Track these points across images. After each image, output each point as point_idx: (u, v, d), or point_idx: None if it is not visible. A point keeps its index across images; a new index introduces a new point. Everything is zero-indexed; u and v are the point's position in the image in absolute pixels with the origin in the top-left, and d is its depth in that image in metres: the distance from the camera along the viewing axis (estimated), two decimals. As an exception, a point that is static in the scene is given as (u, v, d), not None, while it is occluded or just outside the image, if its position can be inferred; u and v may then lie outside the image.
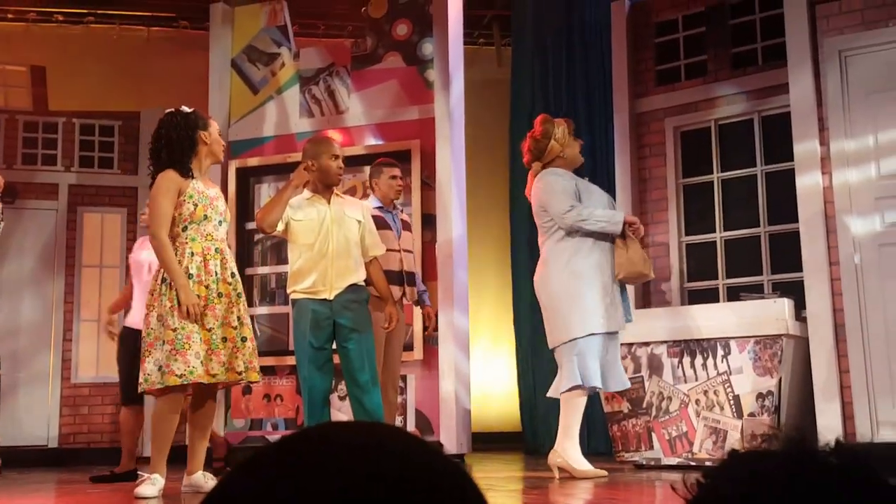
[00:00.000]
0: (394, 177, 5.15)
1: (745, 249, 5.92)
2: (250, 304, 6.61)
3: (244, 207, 6.70)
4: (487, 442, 7.04)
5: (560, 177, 4.55)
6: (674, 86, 6.21)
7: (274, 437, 6.32)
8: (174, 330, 3.86)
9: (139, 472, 4.22)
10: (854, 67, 5.26)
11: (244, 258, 6.60)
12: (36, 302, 7.33)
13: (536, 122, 4.55)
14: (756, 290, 5.60)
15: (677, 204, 6.09)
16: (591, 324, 4.37)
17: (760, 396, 4.76)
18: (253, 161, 6.73)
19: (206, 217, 4.02)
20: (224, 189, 6.70)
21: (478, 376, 6.98)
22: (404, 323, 5.18)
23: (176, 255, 3.97)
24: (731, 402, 4.83)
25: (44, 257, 7.42)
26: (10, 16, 7.67)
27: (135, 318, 5.07)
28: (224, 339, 3.95)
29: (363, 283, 4.48)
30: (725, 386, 4.86)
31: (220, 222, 4.08)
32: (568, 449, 4.38)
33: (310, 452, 0.65)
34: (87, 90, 7.77)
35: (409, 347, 5.76)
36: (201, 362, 3.88)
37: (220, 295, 3.97)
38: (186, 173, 4.03)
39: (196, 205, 4.01)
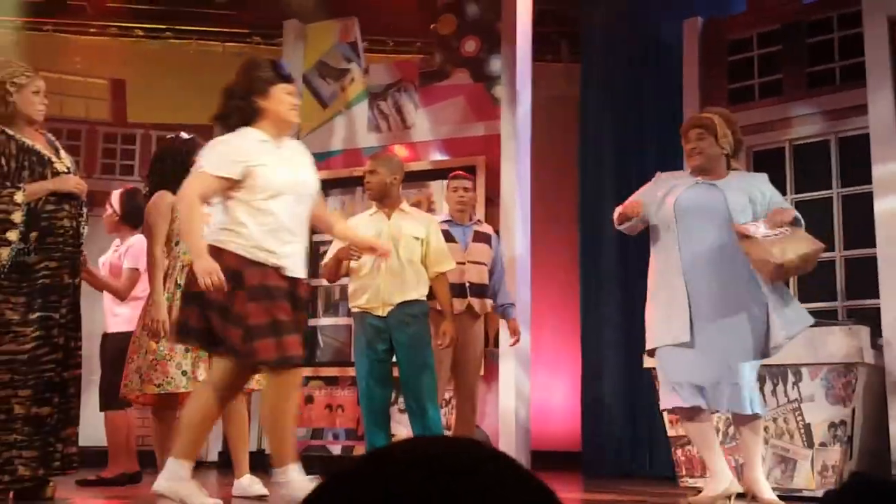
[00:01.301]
0: (455, 189, 5.15)
1: (819, 274, 5.75)
2: (314, 314, 6.69)
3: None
4: (544, 461, 6.95)
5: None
6: (747, 105, 6.10)
7: (334, 446, 6.35)
8: (158, 343, 4.02)
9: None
10: (937, 88, 5.09)
11: (310, 269, 6.65)
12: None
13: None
14: (830, 317, 5.44)
15: (748, 225, 5.96)
16: (650, 338, 4.17)
17: (832, 426, 4.60)
18: (321, 174, 6.77)
19: None
20: (292, 201, 6.79)
21: (537, 394, 6.91)
22: (480, 337, 5.10)
23: (169, 268, 4.17)
24: (802, 430, 4.68)
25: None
26: (92, 31, 7.93)
27: (105, 323, 5.29)
28: None
29: (422, 299, 4.48)
30: (796, 414, 4.72)
31: None
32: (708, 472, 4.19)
33: (384, 466, 0.67)
34: (164, 103, 7.98)
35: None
36: (184, 373, 4.01)
37: None
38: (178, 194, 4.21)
39: None
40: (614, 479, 5.94)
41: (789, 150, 5.97)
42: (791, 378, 4.76)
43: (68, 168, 3.89)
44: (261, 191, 3.25)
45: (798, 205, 5.94)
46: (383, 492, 0.63)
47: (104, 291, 5.27)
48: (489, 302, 5.11)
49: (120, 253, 5.27)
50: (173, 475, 3.29)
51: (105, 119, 8.06)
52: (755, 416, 3.99)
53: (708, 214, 3.97)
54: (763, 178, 4.22)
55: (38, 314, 3.66)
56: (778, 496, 4.11)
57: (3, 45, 7.10)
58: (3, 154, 3.71)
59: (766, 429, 4.75)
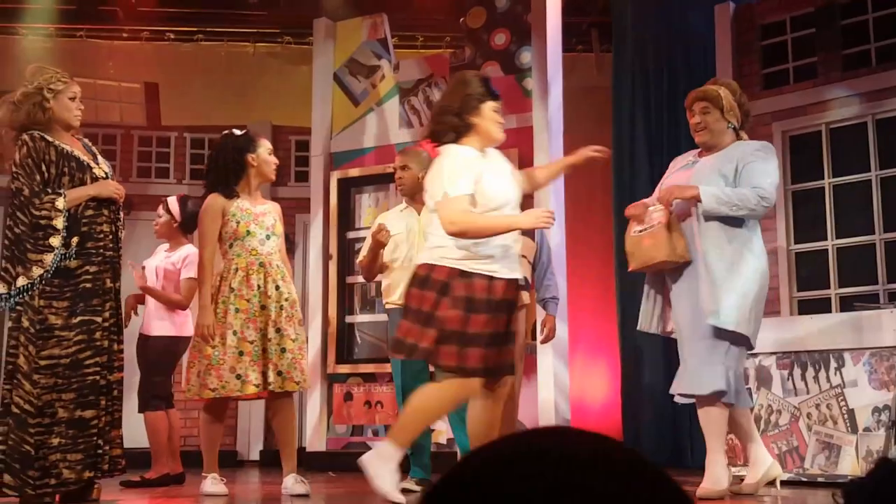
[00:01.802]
0: None
1: (858, 258, 5.68)
2: (351, 311, 6.72)
3: (346, 217, 6.81)
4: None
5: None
6: (781, 89, 6.03)
7: (375, 443, 6.38)
8: (213, 347, 4.05)
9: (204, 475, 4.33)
10: (977, 65, 4.99)
11: (345, 267, 6.70)
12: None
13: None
14: (871, 300, 5.36)
15: (786, 211, 5.90)
16: None
17: (876, 411, 4.54)
18: (354, 172, 6.84)
19: (249, 233, 4.19)
20: (326, 199, 6.83)
21: (576, 385, 6.89)
22: (520, 330, 5.07)
23: (225, 270, 4.18)
24: (845, 416, 4.62)
25: (156, 266, 7.68)
26: (125, 35, 8.02)
27: (147, 326, 5.31)
28: (264, 351, 4.07)
29: None
30: (839, 399, 4.66)
31: (267, 237, 4.24)
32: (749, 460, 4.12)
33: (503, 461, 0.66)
34: (197, 105, 8.05)
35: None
36: (238, 376, 4.03)
37: (262, 308, 4.11)
38: (230, 194, 4.22)
39: (238, 222, 4.19)
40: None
41: (826, 133, 5.89)
42: (833, 363, 4.70)
43: (106, 173, 3.93)
44: (483, 203, 3.36)
45: (836, 189, 5.86)
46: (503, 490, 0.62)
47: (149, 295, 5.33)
48: (527, 295, 5.09)
49: (174, 260, 5.30)
50: (382, 453, 3.33)
51: (139, 123, 8.16)
52: (706, 397, 3.82)
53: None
54: (753, 147, 3.98)
55: (80, 318, 3.71)
56: (823, 483, 4.08)
57: (38, 53, 7.20)
58: (43, 160, 3.76)
59: (808, 415, 4.70)
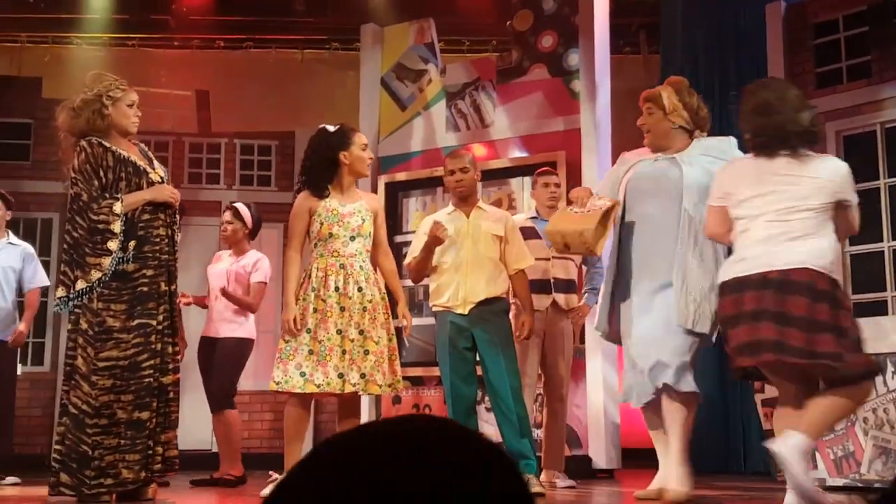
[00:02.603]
0: (546, 185, 5.13)
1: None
2: (398, 315, 6.71)
3: (393, 221, 6.84)
4: (635, 458, 6.87)
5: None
6: (835, 88, 5.93)
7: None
8: (286, 342, 4.04)
9: (270, 473, 4.38)
10: None
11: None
12: (201, 314, 7.69)
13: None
14: (929, 303, 5.25)
15: (840, 212, 5.79)
16: None
17: (936, 416, 4.44)
18: (401, 175, 6.87)
19: (331, 234, 4.14)
20: (374, 203, 6.87)
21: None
22: (568, 333, 5.05)
23: (309, 269, 4.16)
24: (904, 421, 4.53)
25: (207, 271, 7.79)
26: (175, 43, 8.16)
27: (214, 329, 5.41)
28: (343, 352, 4.03)
29: (503, 296, 4.48)
30: (896, 404, 4.57)
31: (351, 238, 4.16)
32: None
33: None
34: (247, 112, 8.16)
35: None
36: (302, 373, 3.99)
37: (342, 309, 4.06)
38: (321, 193, 4.18)
39: (322, 223, 4.14)
40: (708, 475, 5.84)
41: (881, 133, 5.79)
42: (890, 367, 4.61)
43: (162, 178, 4.00)
44: None
45: (892, 189, 5.75)
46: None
47: (209, 299, 5.44)
48: (575, 297, 5.07)
49: (244, 264, 5.40)
50: (792, 444, 3.15)
51: (191, 130, 8.29)
52: (684, 394, 3.82)
53: (655, 190, 3.87)
54: (723, 143, 3.91)
55: (137, 321, 3.77)
56: (880, 488, 3.99)
57: (92, 62, 7.35)
58: (100, 166, 3.84)
59: (864, 420, 4.61)
